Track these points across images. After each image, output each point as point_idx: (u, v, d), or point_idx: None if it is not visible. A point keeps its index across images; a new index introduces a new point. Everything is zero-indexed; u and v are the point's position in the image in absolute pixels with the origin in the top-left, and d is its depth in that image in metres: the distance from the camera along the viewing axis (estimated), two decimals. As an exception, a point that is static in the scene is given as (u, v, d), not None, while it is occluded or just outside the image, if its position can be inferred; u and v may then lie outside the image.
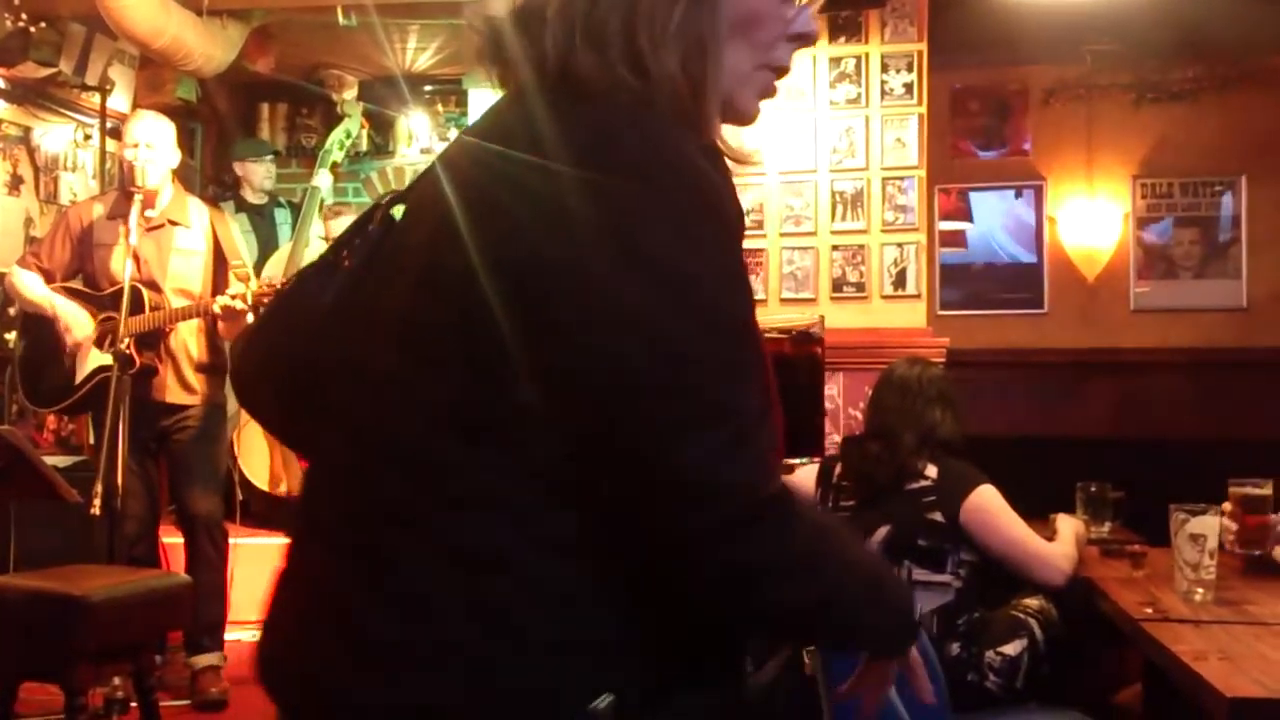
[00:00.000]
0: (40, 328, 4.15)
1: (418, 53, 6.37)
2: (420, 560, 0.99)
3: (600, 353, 0.94)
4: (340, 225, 5.36)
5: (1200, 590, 2.53)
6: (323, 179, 6.28)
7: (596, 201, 0.94)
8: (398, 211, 1.15)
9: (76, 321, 4.09)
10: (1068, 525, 3.04)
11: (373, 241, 1.15)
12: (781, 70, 1.13)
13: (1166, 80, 5.72)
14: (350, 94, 6.63)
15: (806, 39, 1.13)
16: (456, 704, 0.96)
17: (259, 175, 6.03)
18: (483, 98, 6.19)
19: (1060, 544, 2.88)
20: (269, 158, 6.12)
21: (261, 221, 6.11)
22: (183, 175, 4.47)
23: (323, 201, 6.23)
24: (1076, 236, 5.93)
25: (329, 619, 1.03)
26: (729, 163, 1.09)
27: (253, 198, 5.99)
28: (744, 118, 1.12)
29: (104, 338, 4.09)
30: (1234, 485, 2.73)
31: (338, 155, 6.56)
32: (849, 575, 1.08)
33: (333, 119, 6.75)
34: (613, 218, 0.94)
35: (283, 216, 6.39)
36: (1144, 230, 5.89)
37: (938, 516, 2.82)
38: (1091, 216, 5.89)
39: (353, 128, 6.61)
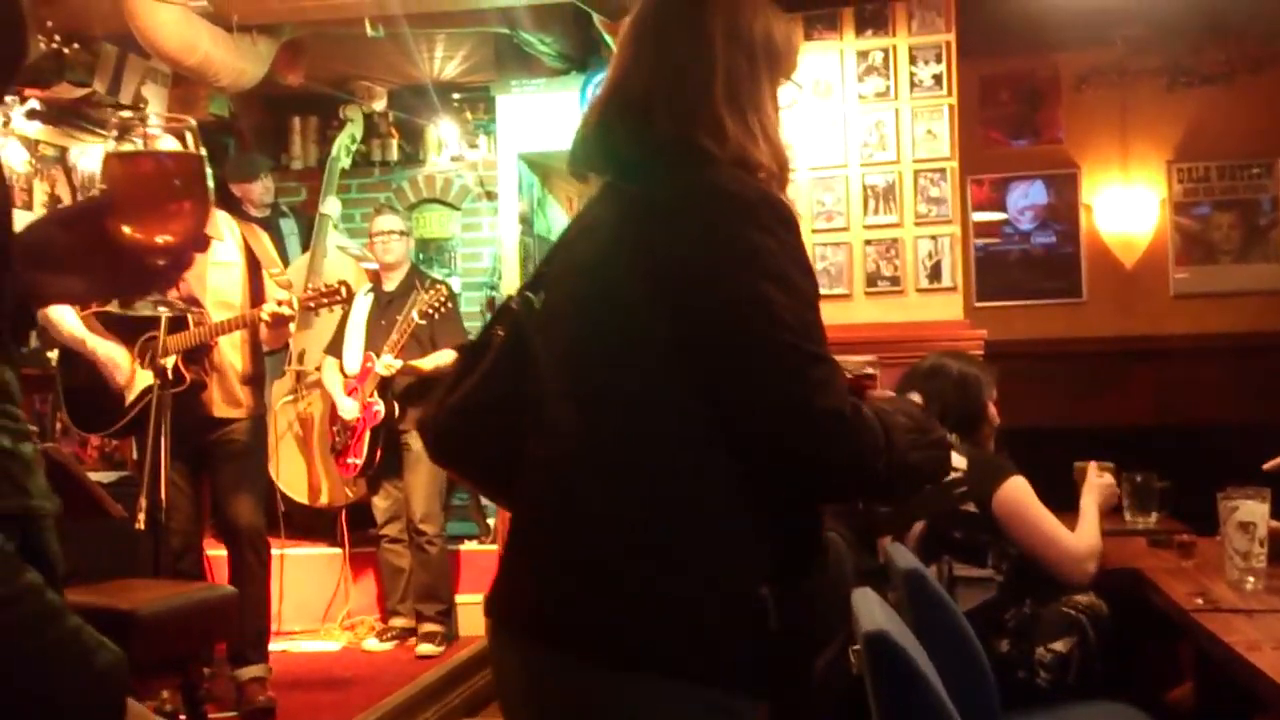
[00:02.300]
0: (79, 359, 4.19)
1: (445, 61, 6.40)
2: (630, 501, 1.43)
3: (734, 328, 1.41)
4: (385, 222, 5.39)
5: (1251, 579, 2.50)
6: (331, 205, 6.32)
7: (725, 230, 1.44)
8: (534, 296, 1.62)
9: (116, 365, 4.13)
10: (1091, 505, 2.99)
11: (517, 315, 1.61)
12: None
13: (1199, 63, 5.65)
14: (379, 104, 6.67)
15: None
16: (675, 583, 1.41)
17: (256, 192, 6.07)
18: (510, 104, 6.22)
19: (1084, 535, 2.85)
20: (263, 174, 6.14)
21: (268, 233, 6.16)
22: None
23: (334, 228, 6.29)
24: (1113, 224, 5.87)
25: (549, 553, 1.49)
26: None
27: (256, 211, 6.01)
28: None
29: (145, 356, 4.13)
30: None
31: (345, 161, 6.61)
32: (903, 441, 1.48)
33: (365, 129, 6.79)
34: (738, 240, 1.43)
35: (289, 227, 6.44)
36: (1182, 215, 5.83)
37: (971, 507, 2.80)
38: (1128, 203, 5.83)
39: (356, 132, 6.65)
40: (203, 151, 1.13)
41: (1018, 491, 2.80)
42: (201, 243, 1.13)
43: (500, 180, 6.43)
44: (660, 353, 1.44)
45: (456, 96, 6.88)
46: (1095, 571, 2.80)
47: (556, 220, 7.17)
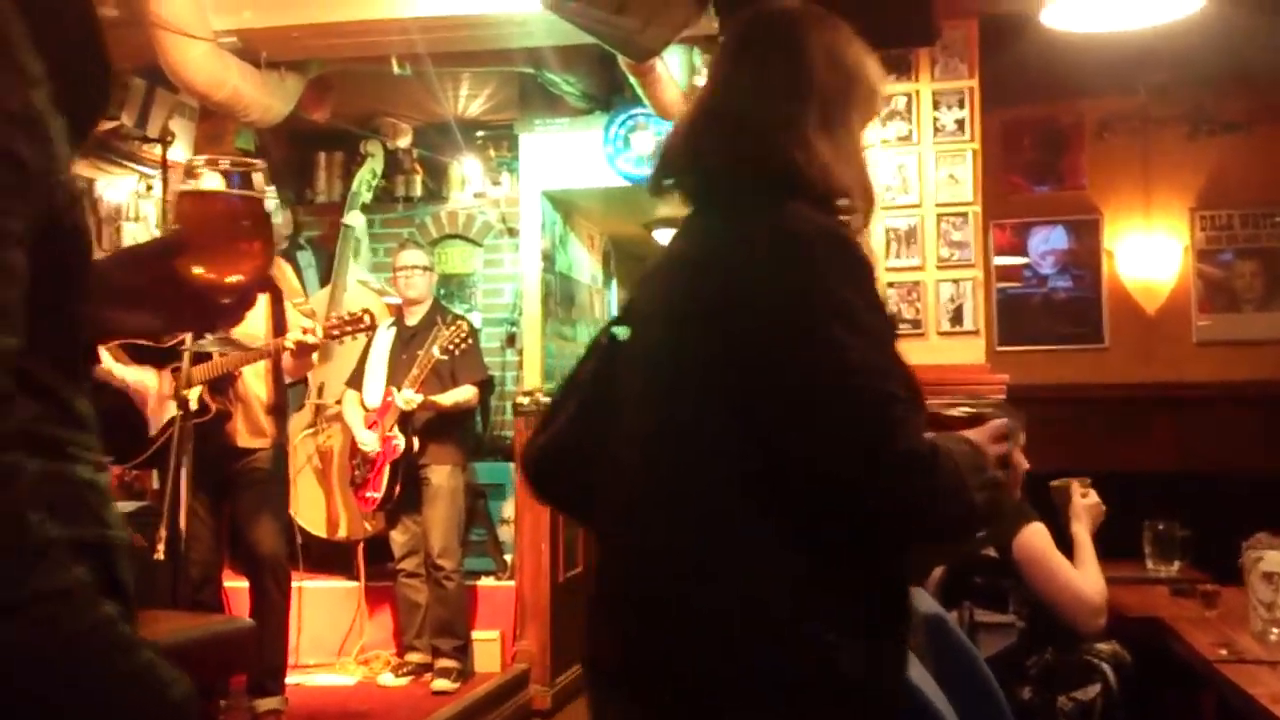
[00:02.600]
0: (104, 388, 4.21)
1: (470, 99, 6.46)
2: (710, 546, 1.43)
3: (802, 374, 1.41)
4: (409, 257, 5.43)
5: (1276, 630, 2.48)
6: (355, 218, 6.36)
7: (784, 273, 1.44)
8: (620, 331, 1.64)
9: (147, 389, 4.15)
10: (1085, 536, 2.95)
11: (606, 351, 1.66)
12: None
13: (1222, 111, 5.65)
14: (404, 141, 6.72)
15: None
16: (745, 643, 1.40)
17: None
18: (533, 142, 6.26)
19: (1091, 580, 2.81)
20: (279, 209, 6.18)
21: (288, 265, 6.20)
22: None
23: (357, 242, 6.31)
24: (1135, 270, 5.86)
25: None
26: None
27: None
28: None
29: (171, 387, 4.16)
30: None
31: (366, 196, 6.66)
32: (973, 481, 1.45)
33: (389, 166, 6.85)
34: (799, 282, 1.43)
35: (307, 259, 6.48)
36: (1204, 262, 5.81)
37: (991, 552, 2.79)
38: (1150, 250, 5.82)
39: (376, 167, 6.71)
40: (269, 193, 1.15)
41: (1037, 537, 2.79)
42: (265, 283, 1.13)
43: (523, 217, 6.47)
44: (721, 398, 1.45)
45: (480, 134, 6.94)
46: (1106, 609, 2.78)
47: (578, 257, 7.20)
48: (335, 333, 4.42)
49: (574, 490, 1.67)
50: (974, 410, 1.62)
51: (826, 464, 1.39)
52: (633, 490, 1.53)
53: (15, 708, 0.70)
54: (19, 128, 0.75)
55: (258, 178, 1.16)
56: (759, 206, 1.51)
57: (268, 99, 5.01)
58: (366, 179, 6.64)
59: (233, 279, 1.12)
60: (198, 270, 1.11)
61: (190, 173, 1.14)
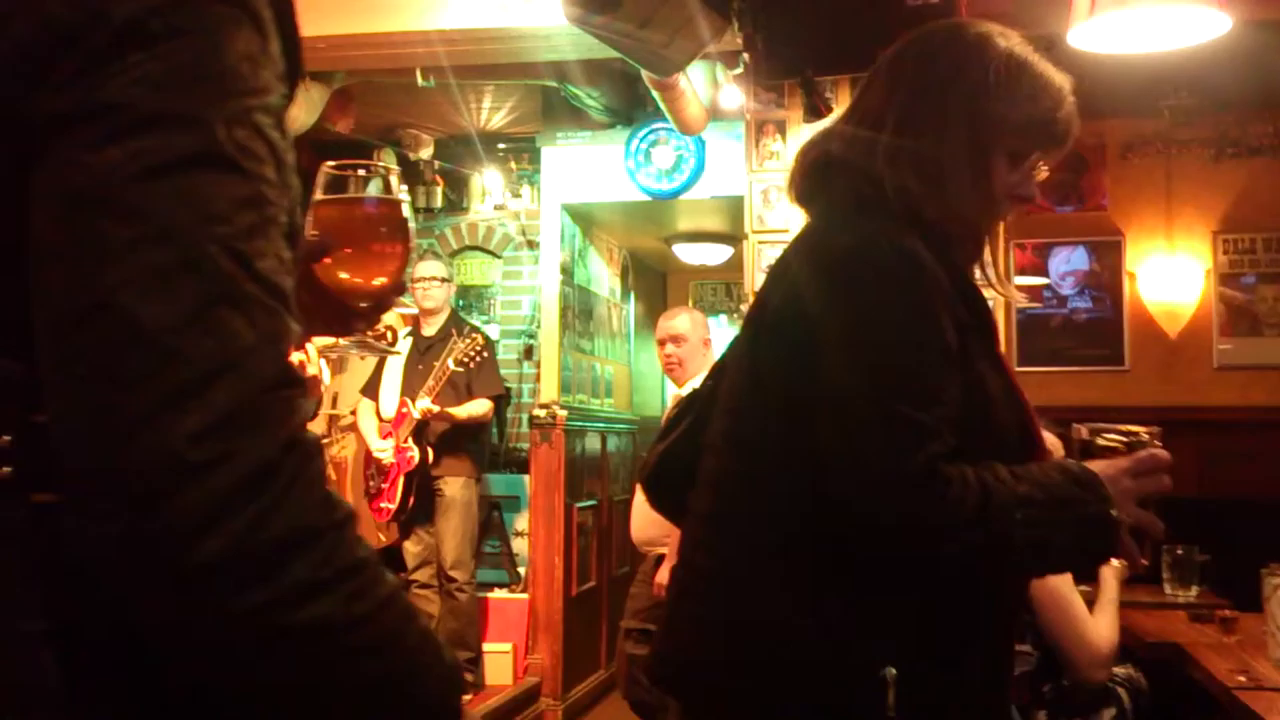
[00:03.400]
0: None
1: (492, 112, 6.48)
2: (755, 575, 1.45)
3: (805, 389, 1.40)
4: (427, 268, 5.46)
5: (1296, 658, 2.45)
6: None
7: (803, 286, 1.46)
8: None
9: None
10: (1113, 584, 2.85)
11: (723, 362, 1.69)
12: (1000, 212, 1.60)
13: (1246, 135, 5.63)
14: (426, 152, 6.75)
15: (1024, 200, 1.59)
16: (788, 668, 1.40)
17: None
18: (554, 155, 6.28)
19: (1105, 628, 2.71)
20: None
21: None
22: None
23: None
24: (1157, 292, 5.83)
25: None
26: None
27: None
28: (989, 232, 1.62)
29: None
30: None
31: None
32: (1011, 514, 1.34)
33: (410, 177, 6.87)
34: (813, 298, 1.44)
35: None
36: (1226, 286, 5.78)
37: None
38: (1172, 272, 5.79)
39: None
40: (404, 196, 1.17)
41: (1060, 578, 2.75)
42: (402, 286, 1.17)
43: (542, 229, 6.48)
44: (770, 412, 1.47)
45: (502, 146, 6.96)
46: (1112, 664, 2.72)
47: (597, 271, 7.20)
48: (328, 355, 4.43)
49: (678, 502, 1.68)
50: (1126, 440, 1.50)
51: (822, 482, 1.37)
52: (699, 504, 1.56)
53: (333, 678, 0.74)
54: (278, 125, 0.78)
55: (394, 181, 1.17)
56: (823, 220, 1.56)
57: (294, 109, 5.03)
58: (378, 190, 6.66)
59: (372, 283, 1.13)
60: (337, 275, 1.12)
61: (328, 179, 1.14)
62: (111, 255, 0.69)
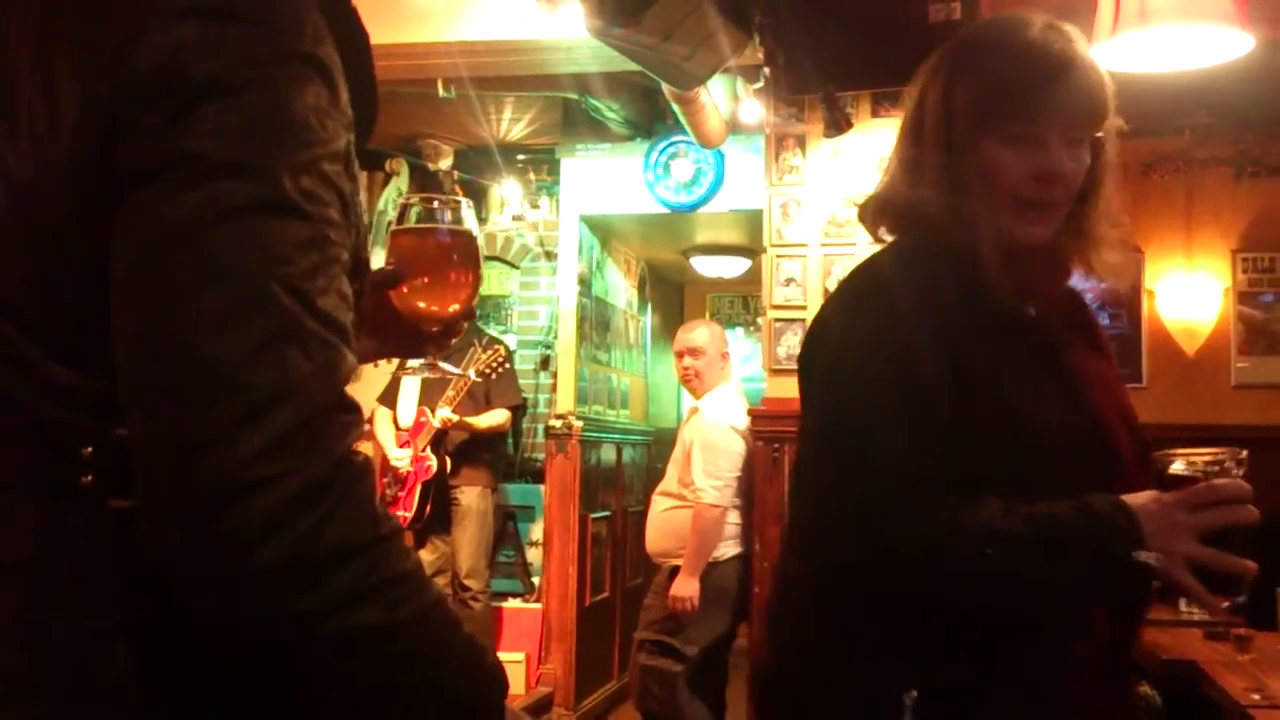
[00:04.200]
0: None
1: (512, 123, 6.51)
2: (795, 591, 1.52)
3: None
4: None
5: (1312, 677, 2.45)
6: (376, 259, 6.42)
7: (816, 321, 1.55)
8: None
9: None
10: None
11: None
12: (1029, 200, 1.46)
13: (1267, 154, 5.62)
14: (446, 163, 6.78)
15: (1049, 177, 1.45)
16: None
17: None
18: (573, 167, 6.31)
19: None
20: None
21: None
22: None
23: None
24: (1175, 310, 5.82)
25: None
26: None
27: None
28: (1019, 241, 1.46)
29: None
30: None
31: (392, 214, 6.70)
32: (979, 550, 1.30)
33: (429, 188, 6.90)
34: (812, 331, 1.53)
35: None
36: (1245, 305, 5.77)
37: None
38: (1191, 290, 5.78)
39: (402, 185, 6.76)
40: (476, 228, 1.24)
41: None
42: (472, 312, 1.25)
43: (561, 240, 6.50)
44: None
45: (521, 157, 6.98)
46: None
47: (614, 282, 7.22)
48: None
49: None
50: (1203, 468, 1.37)
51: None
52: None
53: (378, 679, 0.81)
54: (345, 168, 0.85)
55: (467, 213, 1.23)
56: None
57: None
58: (391, 198, 6.70)
59: (444, 309, 1.21)
60: (413, 301, 1.20)
61: (405, 210, 1.22)
62: (184, 295, 0.77)
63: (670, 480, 4.54)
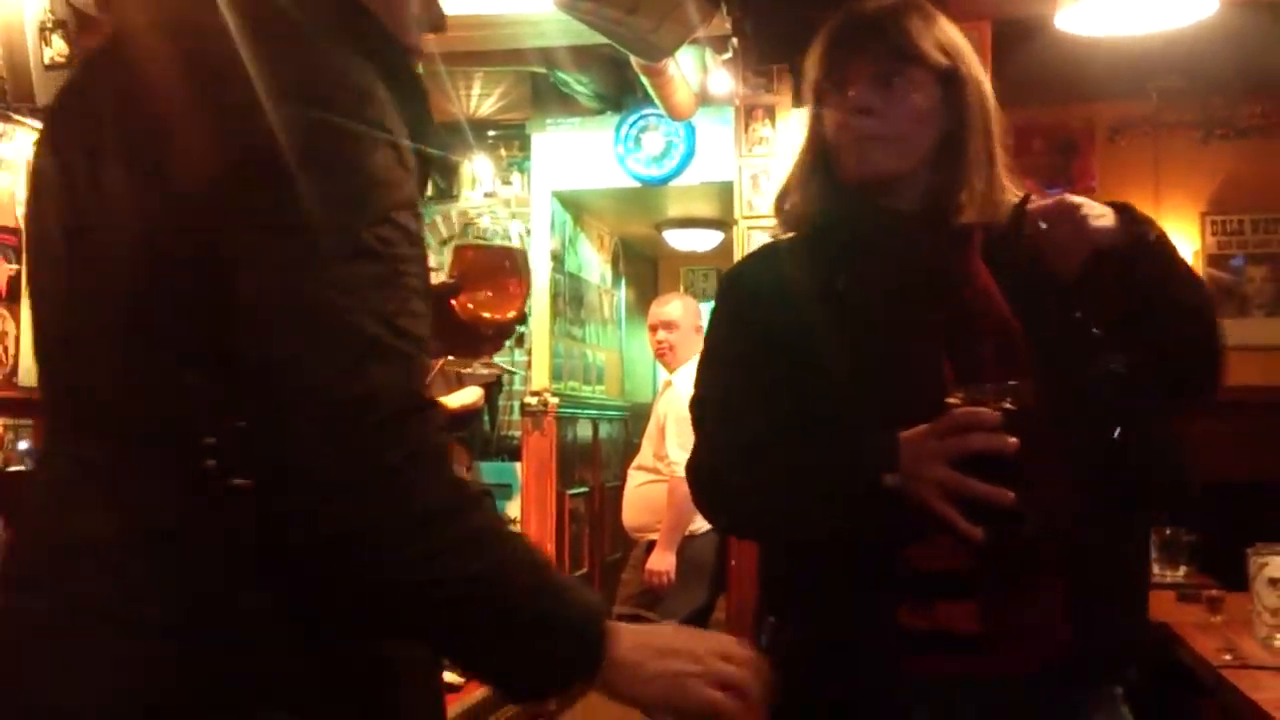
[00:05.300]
0: None
1: (482, 99, 6.47)
2: None
3: None
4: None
5: (1281, 636, 2.47)
6: None
7: None
8: None
9: None
10: None
11: None
12: (853, 137, 1.56)
13: (1234, 117, 5.64)
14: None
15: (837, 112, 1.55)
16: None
17: None
18: (544, 142, 6.28)
19: None
20: None
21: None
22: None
23: None
24: (1145, 275, 5.86)
25: None
26: None
27: None
28: (868, 177, 1.55)
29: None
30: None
31: None
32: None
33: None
34: None
35: None
36: (1215, 268, 5.81)
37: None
38: (1160, 254, 5.82)
39: None
40: (528, 245, 1.40)
41: None
42: (523, 318, 1.43)
43: (533, 217, 6.48)
44: None
45: (491, 133, 6.95)
46: None
47: (587, 257, 7.21)
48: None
49: None
50: (956, 402, 1.33)
51: None
52: None
53: (486, 619, 0.99)
54: (411, 211, 1.02)
55: (517, 229, 1.42)
56: None
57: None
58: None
59: (498, 316, 1.37)
60: (473, 309, 1.36)
61: (465, 227, 1.35)
62: (288, 329, 0.95)
63: (645, 454, 4.55)
